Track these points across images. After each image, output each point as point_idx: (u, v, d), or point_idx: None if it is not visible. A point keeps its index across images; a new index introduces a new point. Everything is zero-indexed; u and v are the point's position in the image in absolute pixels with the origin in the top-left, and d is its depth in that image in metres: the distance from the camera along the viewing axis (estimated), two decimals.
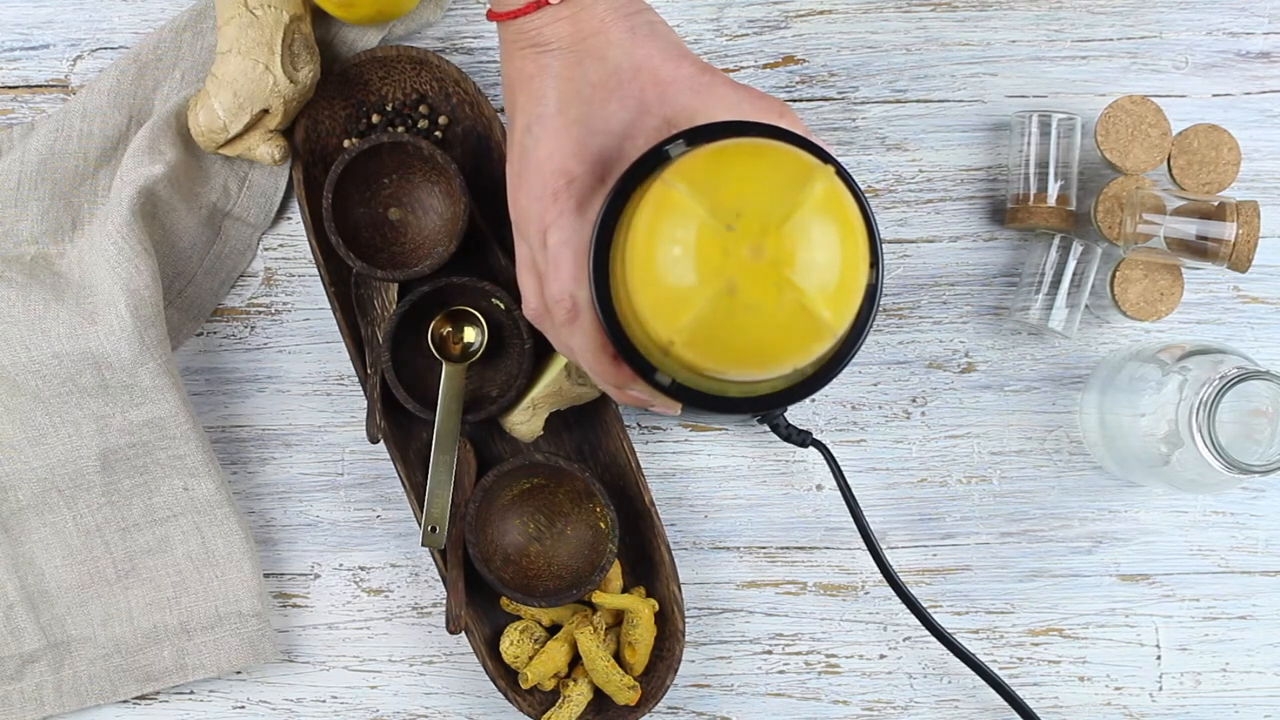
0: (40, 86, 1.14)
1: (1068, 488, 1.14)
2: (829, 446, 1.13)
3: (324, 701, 1.13)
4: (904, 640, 1.13)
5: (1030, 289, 1.11)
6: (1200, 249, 1.07)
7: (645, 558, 1.12)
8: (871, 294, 0.90)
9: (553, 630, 1.12)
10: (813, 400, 1.13)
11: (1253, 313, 1.14)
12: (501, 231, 1.12)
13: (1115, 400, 1.08)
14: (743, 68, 1.14)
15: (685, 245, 0.84)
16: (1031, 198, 1.11)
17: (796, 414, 1.13)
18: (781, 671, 1.13)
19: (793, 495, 1.14)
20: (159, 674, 1.11)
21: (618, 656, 1.10)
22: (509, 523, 1.12)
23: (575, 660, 1.11)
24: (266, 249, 1.14)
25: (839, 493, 1.12)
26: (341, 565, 1.13)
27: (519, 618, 1.11)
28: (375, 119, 1.12)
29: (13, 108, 1.14)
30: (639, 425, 1.14)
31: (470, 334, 1.11)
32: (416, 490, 1.11)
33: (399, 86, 1.12)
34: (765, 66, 1.14)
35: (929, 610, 1.12)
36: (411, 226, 1.12)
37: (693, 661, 1.13)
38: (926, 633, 1.13)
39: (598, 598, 1.09)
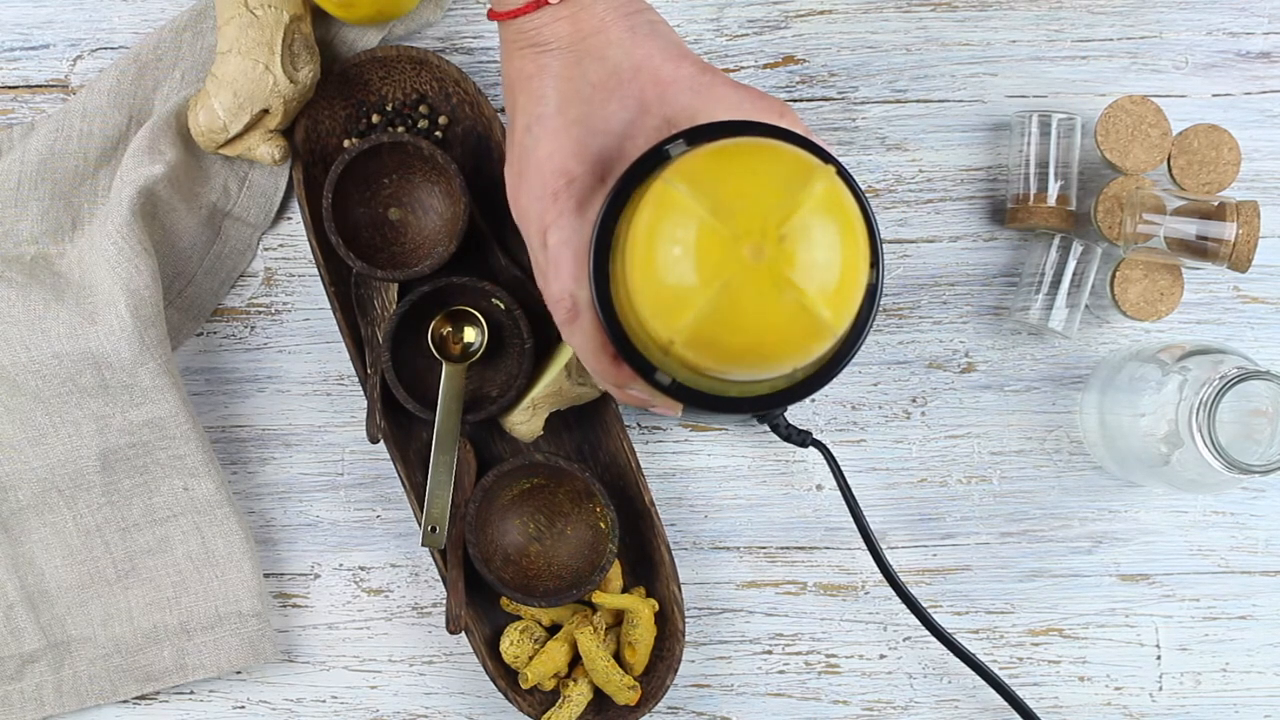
0: (40, 86, 1.14)
1: (1068, 488, 1.14)
2: (829, 446, 1.13)
3: (324, 701, 1.13)
4: (904, 640, 1.13)
5: (1030, 289, 1.11)
6: (1200, 249, 1.07)
7: (645, 558, 1.12)
8: (871, 294, 0.90)
9: (553, 630, 1.12)
10: (813, 400, 1.13)
11: (1253, 313, 1.14)
12: (502, 231, 1.12)
13: (1115, 400, 1.08)
14: (743, 68, 1.14)
15: (685, 245, 0.84)
16: (1031, 198, 1.11)
17: (796, 414, 1.13)
18: (781, 671, 1.13)
19: (793, 495, 1.14)
20: (159, 674, 1.11)
21: (618, 656, 1.10)
22: (509, 523, 1.12)
23: (575, 660, 1.11)
24: (266, 249, 1.14)
25: (839, 493, 1.12)
26: (341, 565, 1.13)
27: (519, 618, 1.11)
28: (375, 119, 1.12)
29: (13, 108, 1.14)
30: (639, 425, 1.14)
31: (470, 334, 1.11)
32: (416, 490, 1.11)
33: (399, 86, 1.12)
34: (765, 66, 1.14)
35: (929, 610, 1.12)
36: (411, 226, 1.12)
37: (693, 661, 1.13)
38: (926, 633, 1.13)
39: (598, 598, 1.09)
